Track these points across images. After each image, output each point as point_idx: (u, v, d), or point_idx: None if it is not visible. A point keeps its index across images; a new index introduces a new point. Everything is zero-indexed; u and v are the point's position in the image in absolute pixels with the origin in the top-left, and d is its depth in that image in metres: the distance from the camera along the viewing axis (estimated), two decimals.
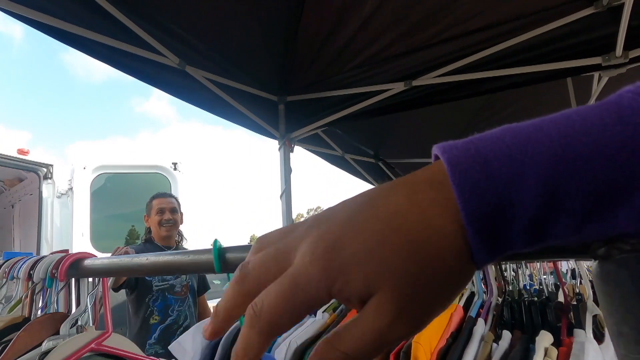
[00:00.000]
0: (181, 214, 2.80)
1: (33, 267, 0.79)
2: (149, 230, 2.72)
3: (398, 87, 2.62)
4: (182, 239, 2.88)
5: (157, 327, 2.42)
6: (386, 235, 0.25)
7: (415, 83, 2.56)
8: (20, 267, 0.82)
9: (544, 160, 0.24)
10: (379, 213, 0.26)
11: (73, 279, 0.80)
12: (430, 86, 2.57)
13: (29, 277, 0.78)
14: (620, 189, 0.23)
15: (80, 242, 3.80)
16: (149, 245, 2.65)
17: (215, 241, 0.56)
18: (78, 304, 0.79)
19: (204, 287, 2.82)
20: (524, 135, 0.25)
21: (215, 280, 9.57)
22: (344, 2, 2.16)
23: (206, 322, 1.22)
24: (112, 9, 1.93)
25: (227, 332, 1.12)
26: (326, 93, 2.85)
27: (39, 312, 0.83)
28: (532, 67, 2.28)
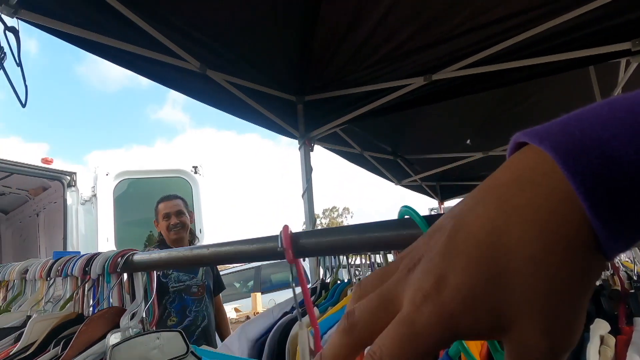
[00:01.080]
0: (190, 212, 2.76)
1: (88, 263, 0.81)
2: (160, 234, 2.70)
3: (418, 81, 2.61)
4: (194, 239, 2.84)
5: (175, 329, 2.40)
6: (496, 259, 0.23)
7: (435, 77, 2.55)
8: (74, 264, 0.84)
9: None
10: (475, 233, 0.24)
11: (125, 274, 0.82)
12: (450, 80, 2.56)
13: (85, 273, 0.80)
14: None
15: (106, 247, 3.83)
16: (163, 248, 2.60)
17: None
18: (133, 298, 0.81)
19: (219, 287, 2.81)
20: (632, 108, 0.23)
21: (235, 282, 9.66)
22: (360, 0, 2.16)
23: (249, 323, 1.24)
24: (133, 16, 1.97)
25: (273, 331, 1.13)
26: (344, 91, 2.86)
27: (91, 309, 0.85)
28: (557, 55, 2.22)
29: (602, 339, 0.76)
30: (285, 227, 0.55)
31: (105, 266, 0.78)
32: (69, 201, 4.07)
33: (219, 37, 2.35)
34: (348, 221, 52.57)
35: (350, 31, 2.38)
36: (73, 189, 4.11)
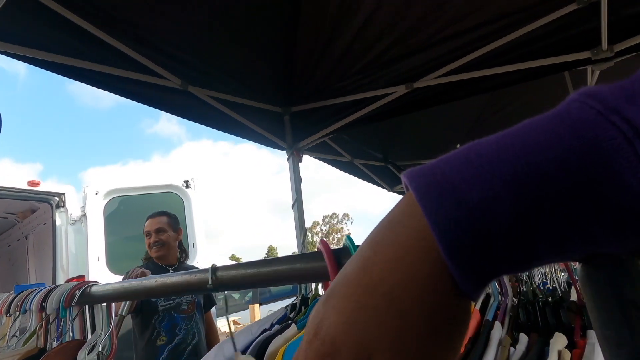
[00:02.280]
0: (179, 229, 2.75)
1: (45, 298, 0.81)
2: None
3: (400, 90, 2.63)
4: (182, 254, 2.79)
5: (165, 348, 2.36)
6: (358, 295, 0.25)
7: (416, 85, 2.57)
8: (32, 300, 0.84)
9: (511, 179, 0.22)
10: (348, 273, 0.26)
11: (87, 306, 0.82)
12: (431, 87, 2.57)
13: (42, 308, 0.80)
14: (586, 205, 0.22)
15: (97, 267, 3.83)
16: (151, 265, 2.59)
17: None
18: (93, 330, 0.81)
19: (210, 302, 2.79)
20: (489, 154, 0.24)
21: (233, 294, 9.60)
22: (338, 12, 2.18)
23: (227, 341, 1.24)
24: (109, 39, 1.97)
25: (250, 349, 1.13)
26: (330, 101, 2.87)
27: (55, 341, 0.84)
28: (527, 63, 2.30)
29: (559, 354, 0.77)
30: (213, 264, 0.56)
31: (61, 301, 0.78)
32: (58, 222, 4.06)
33: (199, 53, 2.36)
34: (348, 227, 52.54)
35: (331, 42, 2.40)
36: (62, 209, 4.10)
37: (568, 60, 2.22)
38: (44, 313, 0.85)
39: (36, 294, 0.84)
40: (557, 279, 1.48)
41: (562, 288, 1.27)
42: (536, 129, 0.24)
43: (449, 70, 2.44)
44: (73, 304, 0.75)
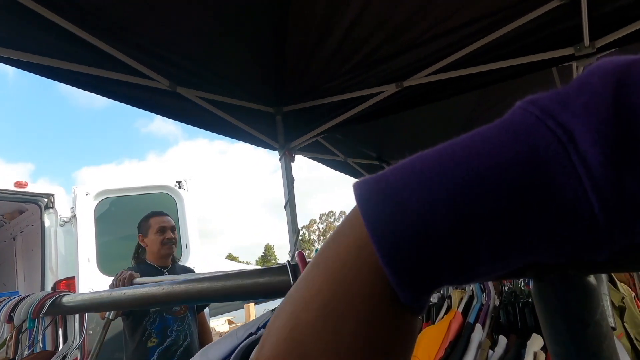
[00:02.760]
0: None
1: (14, 308, 0.80)
2: (141, 251, 2.63)
3: (390, 89, 2.63)
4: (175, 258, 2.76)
5: (156, 350, 2.33)
6: (298, 312, 0.24)
7: (406, 84, 2.57)
8: (0, 310, 0.82)
9: (452, 185, 0.22)
10: (291, 291, 0.26)
11: (58, 317, 0.81)
12: (421, 86, 2.57)
13: (10, 319, 0.78)
14: (522, 210, 0.21)
15: (87, 268, 3.80)
16: (143, 266, 2.53)
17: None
18: (65, 340, 0.79)
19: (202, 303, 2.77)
20: (433, 161, 0.23)
21: None
22: (327, 11, 2.17)
23: (212, 346, 1.22)
24: (95, 40, 1.95)
25: (234, 354, 1.12)
26: (321, 100, 2.86)
27: (25, 351, 0.83)
28: (514, 60, 2.31)
29: (535, 355, 0.76)
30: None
31: (30, 312, 0.76)
32: (47, 223, 4.03)
33: (187, 53, 2.34)
34: None
35: (320, 42, 2.38)
36: (51, 210, 4.07)
37: (553, 56, 2.24)
38: (12, 324, 0.83)
39: (5, 304, 0.82)
40: None
41: None
42: (482, 136, 0.23)
43: (438, 68, 2.44)
44: (41, 315, 0.74)
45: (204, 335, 2.73)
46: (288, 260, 0.56)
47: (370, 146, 4.27)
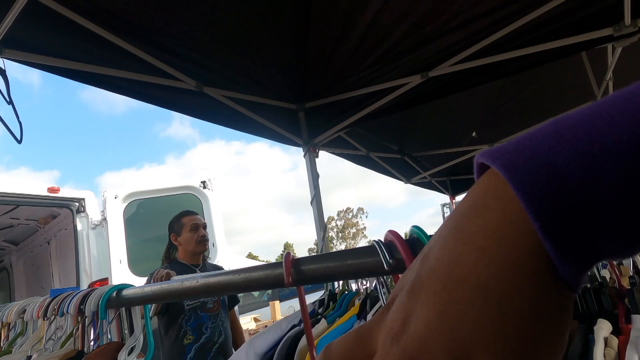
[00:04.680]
0: None
1: (83, 301, 0.81)
2: (173, 250, 2.66)
3: (415, 79, 2.60)
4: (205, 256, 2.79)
5: (192, 347, 2.38)
6: (450, 289, 0.22)
7: (431, 74, 2.54)
8: (69, 303, 0.84)
9: (618, 148, 0.20)
10: (435, 266, 0.24)
11: (124, 309, 0.82)
12: (446, 75, 2.55)
13: (80, 311, 0.80)
14: None
15: (119, 269, 3.89)
16: (176, 265, 2.56)
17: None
18: (131, 332, 0.81)
19: (234, 300, 2.81)
20: (583, 125, 0.21)
21: (253, 292, 9.64)
22: (349, 4, 2.16)
23: (257, 337, 1.23)
24: (124, 44, 1.98)
25: (281, 344, 1.13)
26: (344, 95, 2.85)
27: (92, 344, 0.85)
28: (545, 45, 2.23)
29: (605, 340, 0.74)
30: (288, 255, 0.55)
31: (100, 303, 0.78)
32: (79, 227, 4.13)
33: (213, 54, 2.36)
34: (363, 221, 52.53)
35: (343, 36, 2.38)
36: (82, 214, 4.17)
37: (588, 39, 2.15)
38: (80, 316, 0.85)
39: (73, 297, 0.84)
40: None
41: (601, 274, 1.23)
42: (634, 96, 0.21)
43: (464, 57, 2.40)
44: (110, 306, 0.76)
45: (236, 332, 2.77)
46: (376, 240, 0.56)
47: (392, 140, 4.26)
